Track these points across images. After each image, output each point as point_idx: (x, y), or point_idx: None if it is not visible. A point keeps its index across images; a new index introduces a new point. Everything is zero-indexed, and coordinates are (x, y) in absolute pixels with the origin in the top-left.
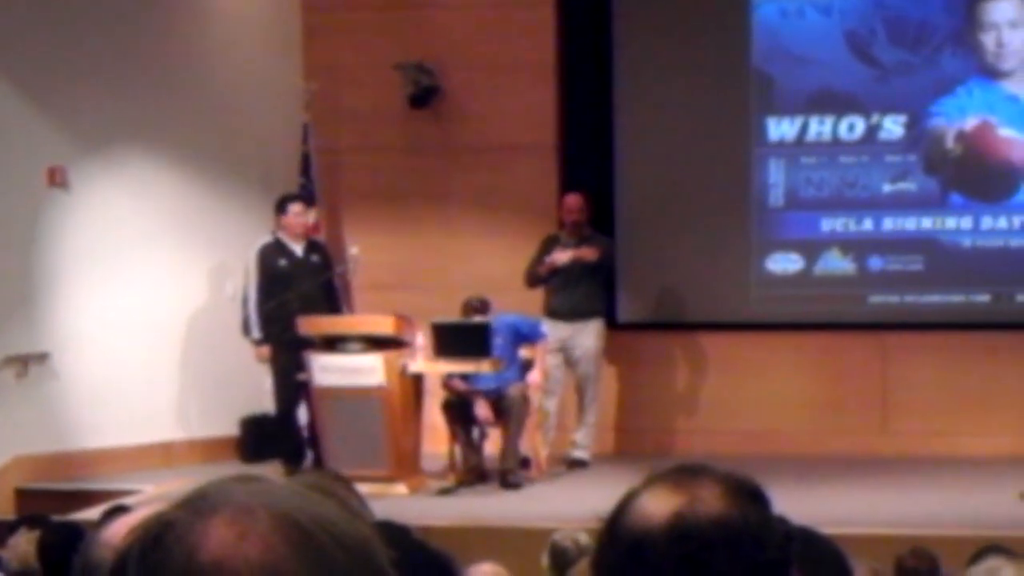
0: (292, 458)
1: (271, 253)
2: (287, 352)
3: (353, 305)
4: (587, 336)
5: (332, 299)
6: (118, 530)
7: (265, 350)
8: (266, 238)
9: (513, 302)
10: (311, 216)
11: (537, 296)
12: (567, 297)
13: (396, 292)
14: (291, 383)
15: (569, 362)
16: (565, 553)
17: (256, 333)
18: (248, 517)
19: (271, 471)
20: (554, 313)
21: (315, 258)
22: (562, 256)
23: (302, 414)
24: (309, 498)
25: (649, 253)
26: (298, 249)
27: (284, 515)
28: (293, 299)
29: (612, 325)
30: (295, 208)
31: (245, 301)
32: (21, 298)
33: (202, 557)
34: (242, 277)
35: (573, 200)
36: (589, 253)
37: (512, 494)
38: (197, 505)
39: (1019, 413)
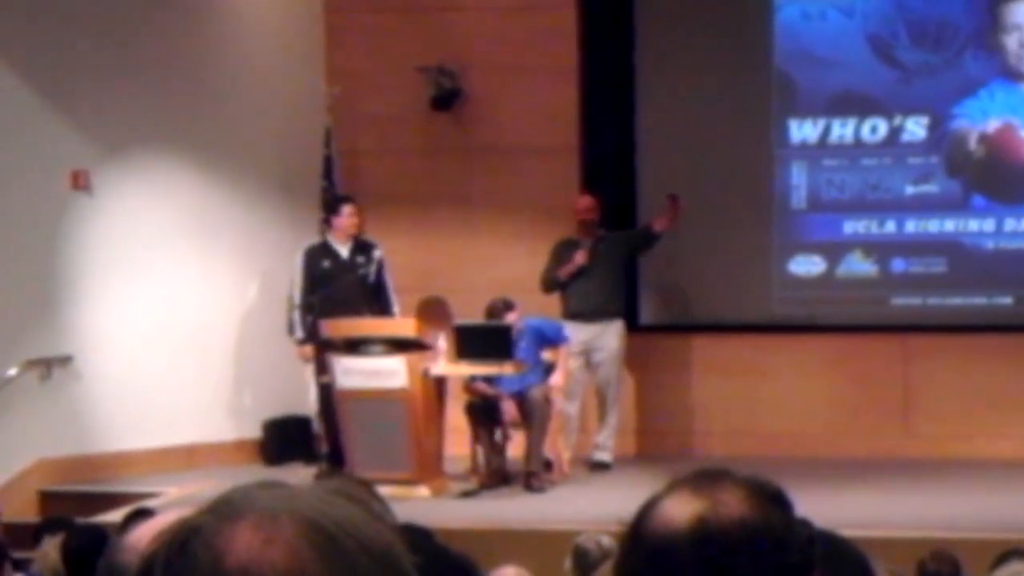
0: (333, 459)
1: (316, 255)
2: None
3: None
4: (609, 338)
5: (382, 299)
6: (142, 534)
7: (308, 349)
8: (313, 239)
9: (534, 304)
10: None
11: (558, 298)
12: (587, 298)
13: (417, 294)
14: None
15: (590, 364)
16: (588, 556)
17: (299, 333)
18: (273, 523)
19: (292, 475)
20: (575, 315)
21: (360, 259)
22: (580, 257)
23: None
24: (333, 503)
25: (670, 255)
26: (344, 251)
27: (309, 520)
28: (316, 300)
29: (633, 327)
30: (347, 209)
31: (290, 301)
32: (44, 301)
33: (228, 563)
34: (289, 278)
35: (584, 200)
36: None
37: (534, 497)
38: (223, 511)
39: None
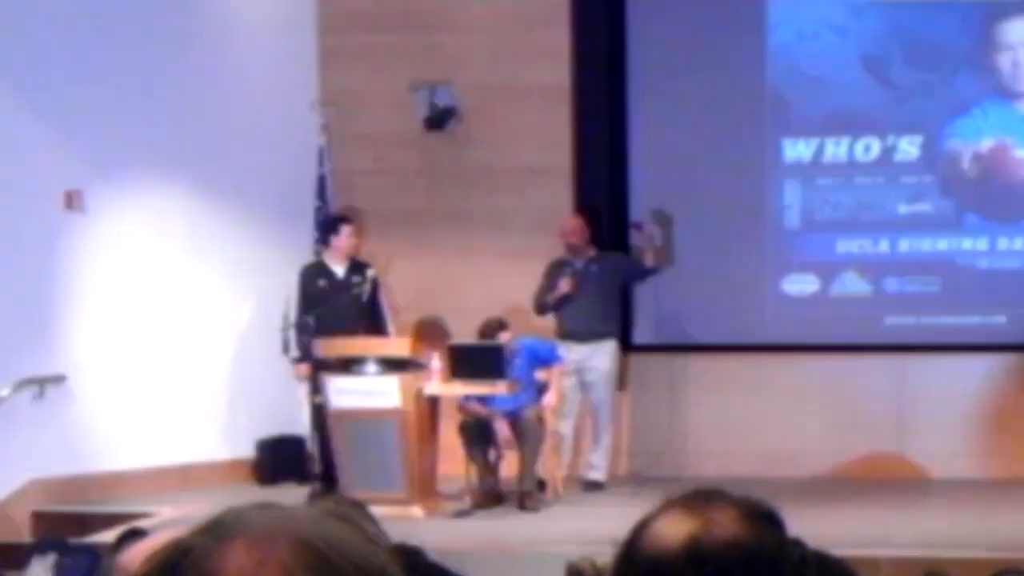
0: (326, 479)
1: (312, 274)
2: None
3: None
4: (601, 358)
5: (377, 319)
6: (135, 555)
7: (304, 367)
8: (307, 259)
9: (529, 324)
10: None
11: (553, 317)
12: (579, 319)
13: (412, 314)
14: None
15: (583, 384)
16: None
17: (294, 352)
18: (267, 543)
19: (286, 494)
20: (568, 335)
21: (356, 279)
22: (565, 285)
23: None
24: (327, 524)
25: (664, 274)
26: (340, 270)
27: (303, 541)
28: (311, 320)
29: (627, 346)
30: (347, 230)
31: (285, 320)
32: (38, 321)
33: None
34: (285, 298)
35: (570, 223)
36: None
37: (528, 516)
38: (216, 531)
39: None
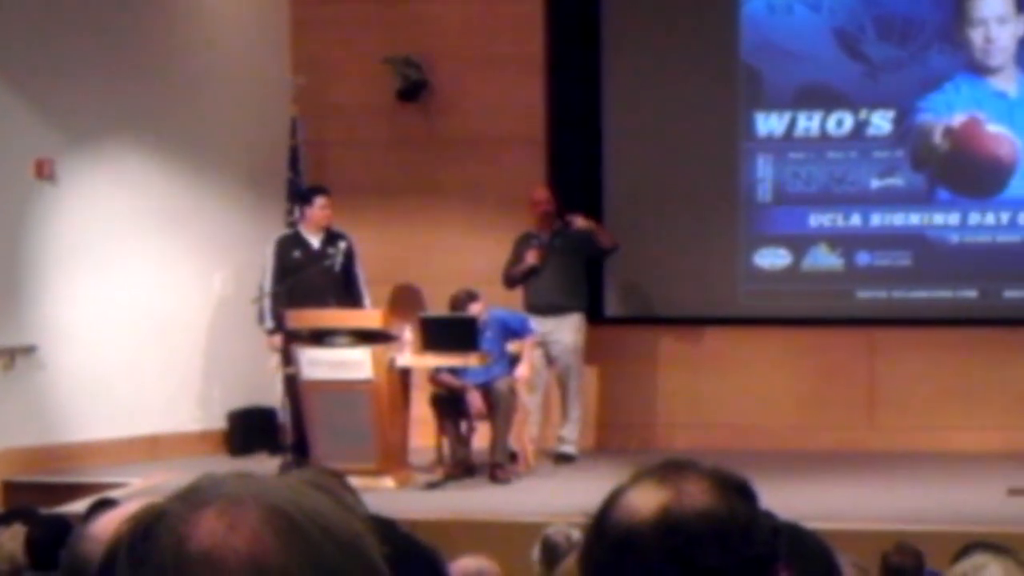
0: (298, 450)
1: (287, 245)
2: None
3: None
4: (565, 331)
5: (353, 291)
6: (106, 524)
7: (276, 339)
8: (280, 230)
9: (499, 296)
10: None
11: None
12: (542, 293)
13: (383, 286)
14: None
15: (548, 358)
16: (556, 548)
17: (268, 323)
18: (238, 509)
19: (257, 465)
20: (532, 308)
21: (331, 250)
22: (531, 256)
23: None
24: (301, 492)
25: (636, 247)
26: (315, 241)
27: (274, 507)
28: (283, 290)
29: (599, 319)
30: (320, 201)
31: (260, 291)
32: (8, 291)
33: (191, 547)
34: (260, 268)
35: (540, 192)
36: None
37: (500, 488)
38: (188, 497)
39: (1006, 408)
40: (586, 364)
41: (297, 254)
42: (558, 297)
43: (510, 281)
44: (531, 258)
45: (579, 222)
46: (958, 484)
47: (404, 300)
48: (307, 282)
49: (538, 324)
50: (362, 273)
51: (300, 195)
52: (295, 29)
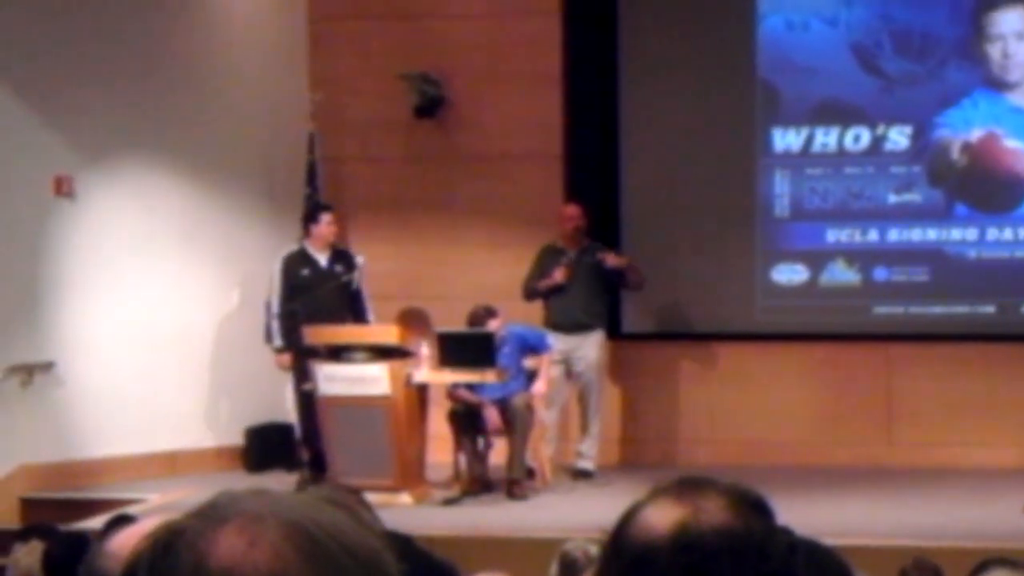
0: (314, 466)
1: (295, 262)
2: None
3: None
4: (588, 348)
5: (357, 308)
6: (123, 541)
7: (286, 358)
8: (291, 247)
9: (517, 311)
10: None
11: (541, 305)
12: (567, 309)
13: (400, 302)
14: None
15: (570, 374)
16: (575, 563)
17: (277, 341)
18: (258, 525)
19: (274, 482)
20: (555, 325)
21: (339, 268)
22: (559, 274)
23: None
24: (319, 508)
25: (654, 263)
26: (322, 259)
27: (294, 524)
28: (300, 308)
29: (617, 335)
30: (326, 218)
31: (268, 309)
32: (27, 307)
33: (211, 564)
34: (267, 286)
35: (571, 209)
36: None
37: (517, 504)
38: (208, 514)
39: (1023, 424)
40: (604, 380)
41: (305, 272)
42: (582, 315)
43: (531, 294)
44: (559, 276)
45: (611, 260)
46: (975, 500)
47: (410, 323)
48: (318, 300)
49: (562, 342)
50: (366, 289)
51: (307, 213)
52: (312, 45)
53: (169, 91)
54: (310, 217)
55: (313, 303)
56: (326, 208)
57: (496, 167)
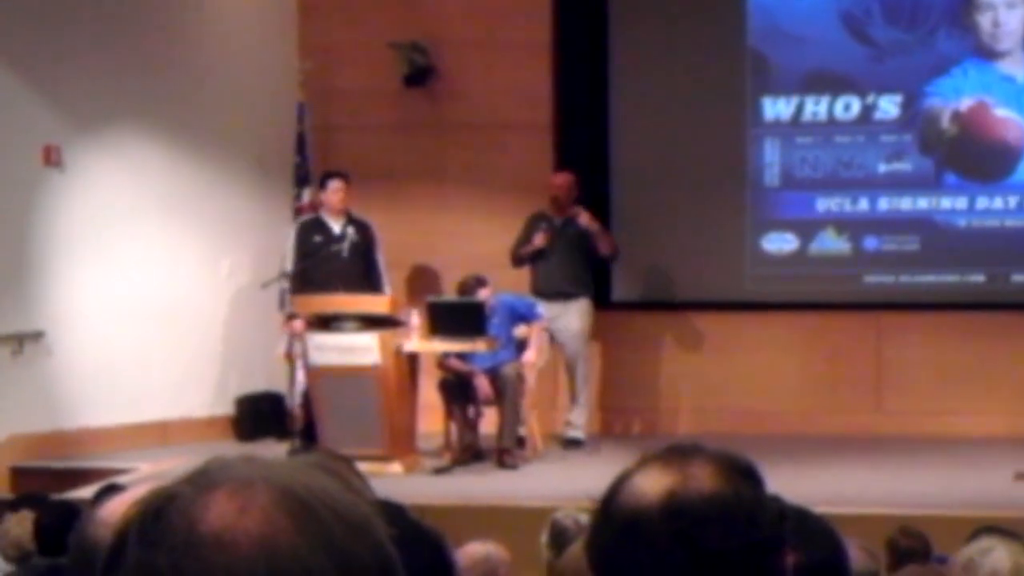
0: (307, 436)
1: (309, 229)
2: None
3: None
4: (571, 317)
5: (372, 276)
6: (114, 509)
7: (298, 323)
8: (309, 214)
9: (507, 280)
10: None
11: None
12: (550, 278)
13: (391, 270)
14: None
15: (554, 342)
16: (565, 532)
17: (289, 307)
18: (249, 491)
19: (265, 451)
20: (539, 293)
21: (352, 235)
22: (538, 239)
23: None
24: (310, 474)
25: (643, 232)
26: (336, 226)
27: (285, 489)
28: (314, 273)
29: (605, 304)
30: (333, 184)
31: (282, 275)
32: (16, 277)
33: (202, 529)
34: (280, 252)
35: (559, 177)
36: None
37: (507, 473)
38: (198, 480)
39: (1014, 393)
40: (593, 349)
41: (318, 239)
42: (564, 283)
43: (516, 260)
44: (538, 241)
45: (582, 219)
46: (965, 468)
47: (421, 281)
48: (326, 266)
49: (545, 309)
50: (382, 259)
51: (300, 180)
52: (302, 14)
53: (158, 61)
54: (320, 184)
55: (317, 269)
56: (335, 175)
57: (486, 136)
